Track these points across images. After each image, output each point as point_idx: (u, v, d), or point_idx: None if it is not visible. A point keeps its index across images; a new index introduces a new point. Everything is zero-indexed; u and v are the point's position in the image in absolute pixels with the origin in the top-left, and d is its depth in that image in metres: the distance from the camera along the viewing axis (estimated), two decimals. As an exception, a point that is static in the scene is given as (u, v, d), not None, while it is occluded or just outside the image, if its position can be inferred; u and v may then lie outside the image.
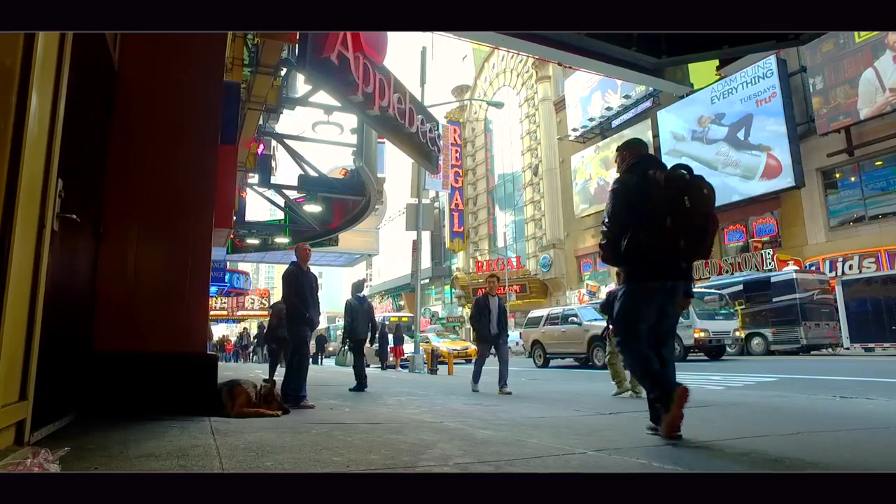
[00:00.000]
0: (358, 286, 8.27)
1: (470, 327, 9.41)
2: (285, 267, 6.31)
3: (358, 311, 7.94)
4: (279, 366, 9.23)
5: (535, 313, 18.81)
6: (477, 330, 7.59)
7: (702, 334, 14.57)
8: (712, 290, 17.38)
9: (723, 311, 16.07)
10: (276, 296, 9.81)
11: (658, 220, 2.95)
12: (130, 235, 4.08)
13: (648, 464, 2.45)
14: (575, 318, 15.42)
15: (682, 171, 3.10)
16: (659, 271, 3.06)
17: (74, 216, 2.76)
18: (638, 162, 3.26)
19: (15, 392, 2.13)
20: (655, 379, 3.07)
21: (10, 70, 1.94)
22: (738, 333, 16.06)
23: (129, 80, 4.16)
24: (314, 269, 6.16)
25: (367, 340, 8.12)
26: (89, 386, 3.68)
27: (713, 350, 15.23)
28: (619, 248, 3.07)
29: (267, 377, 6.56)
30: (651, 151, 3.92)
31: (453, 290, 41.68)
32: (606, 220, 3.20)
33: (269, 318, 9.95)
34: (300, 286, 5.74)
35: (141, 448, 2.63)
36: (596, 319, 14.41)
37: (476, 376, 7.50)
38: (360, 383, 7.62)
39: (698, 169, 3.30)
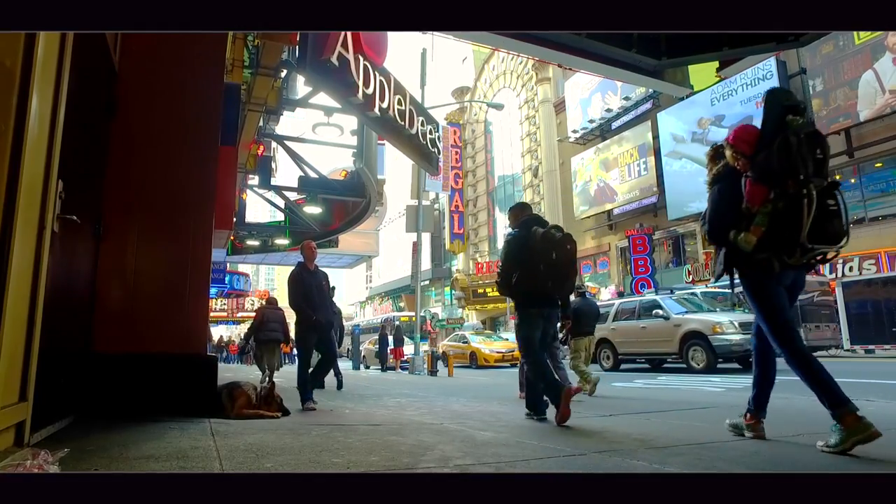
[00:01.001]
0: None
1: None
2: (286, 269, 6.30)
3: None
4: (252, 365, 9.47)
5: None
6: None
7: None
8: (724, 290, 17.16)
9: (737, 312, 15.86)
10: (279, 297, 9.94)
11: (534, 267, 3.97)
12: (130, 236, 4.07)
13: (648, 464, 2.44)
14: (659, 311, 12.51)
15: (554, 230, 4.10)
16: (537, 303, 4.15)
17: (75, 217, 2.76)
18: (526, 221, 4.27)
19: (15, 393, 2.13)
20: (549, 382, 4.02)
21: (11, 71, 1.94)
22: None
23: (129, 81, 4.16)
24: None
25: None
26: (89, 387, 3.68)
27: None
28: (510, 284, 4.13)
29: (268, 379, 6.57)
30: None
31: (453, 292, 41.62)
32: (499, 265, 4.31)
33: (253, 319, 10.16)
34: (308, 288, 5.53)
35: (141, 449, 2.62)
36: (685, 312, 12.17)
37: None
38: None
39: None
